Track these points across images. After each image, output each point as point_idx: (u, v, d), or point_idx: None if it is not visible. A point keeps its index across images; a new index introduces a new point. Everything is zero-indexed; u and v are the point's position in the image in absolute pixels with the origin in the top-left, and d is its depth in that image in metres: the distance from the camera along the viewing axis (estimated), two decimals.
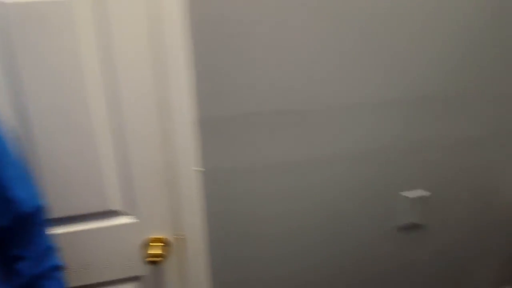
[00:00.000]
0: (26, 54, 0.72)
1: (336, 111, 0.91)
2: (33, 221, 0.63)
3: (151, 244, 0.90)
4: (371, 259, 1.09)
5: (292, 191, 0.95)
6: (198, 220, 0.91)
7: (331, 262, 1.06)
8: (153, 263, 0.89)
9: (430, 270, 1.16)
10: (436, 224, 1.09)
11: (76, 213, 0.85)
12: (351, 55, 0.87)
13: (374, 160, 0.98)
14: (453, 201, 1.07)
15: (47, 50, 0.73)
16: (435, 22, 0.90)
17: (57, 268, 0.67)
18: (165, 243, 0.91)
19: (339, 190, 0.99)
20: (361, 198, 1.01)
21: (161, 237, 0.91)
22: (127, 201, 0.87)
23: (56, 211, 0.79)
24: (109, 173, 0.84)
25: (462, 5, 0.90)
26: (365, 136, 0.95)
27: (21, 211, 0.60)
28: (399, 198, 1.02)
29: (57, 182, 0.81)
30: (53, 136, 0.79)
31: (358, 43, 0.87)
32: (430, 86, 0.94)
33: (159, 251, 0.89)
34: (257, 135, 0.89)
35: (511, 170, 1.08)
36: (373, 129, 0.95)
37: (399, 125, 0.96)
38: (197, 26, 0.78)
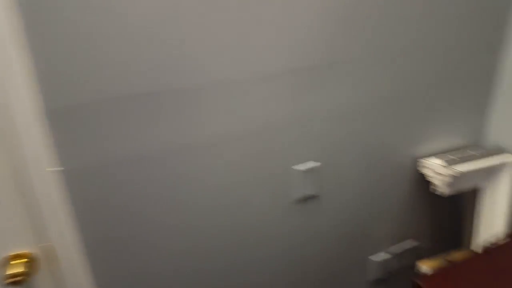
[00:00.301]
0: None
1: (216, 89, 0.84)
2: None
3: (11, 262, 0.77)
4: (274, 236, 1.07)
5: (177, 181, 0.87)
6: (66, 226, 0.79)
7: (233, 248, 1.02)
8: (15, 283, 0.76)
9: (332, 238, 1.18)
10: (331, 193, 1.09)
11: None
12: (227, 27, 0.79)
13: (263, 137, 0.93)
14: (344, 168, 1.08)
15: None
16: None
17: None
18: (29, 259, 0.79)
19: (230, 172, 0.93)
20: (255, 177, 0.96)
21: (22, 252, 0.78)
22: None
23: None
24: None
25: None
26: (250, 114, 0.89)
27: None
28: (292, 172, 1.00)
29: None
30: None
31: (235, 14, 0.79)
32: (312, 56, 0.90)
33: (21, 269, 0.77)
34: (125, 122, 0.78)
35: (398, 134, 1.11)
36: (257, 104, 0.89)
37: (284, 98, 0.91)
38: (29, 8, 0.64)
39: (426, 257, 1.37)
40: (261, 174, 0.97)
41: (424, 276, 0.87)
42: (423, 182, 1.24)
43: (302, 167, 0.99)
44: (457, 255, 1.32)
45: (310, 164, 1.00)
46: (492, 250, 0.95)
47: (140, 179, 0.83)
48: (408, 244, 1.34)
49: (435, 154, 1.20)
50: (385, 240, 1.30)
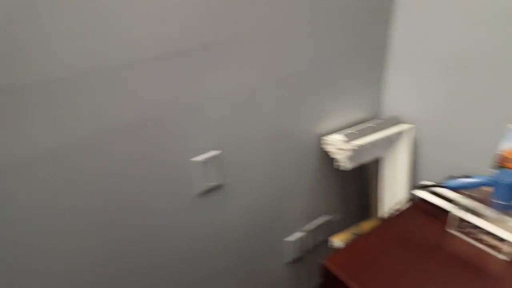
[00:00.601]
0: None
1: (83, 80, 0.71)
2: None
3: None
4: (180, 234, 0.99)
5: (52, 189, 0.74)
6: None
7: (136, 252, 0.92)
8: None
9: (244, 225, 1.14)
10: (236, 180, 1.04)
11: None
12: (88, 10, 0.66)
13: (151, 129, 0.83)
14: (247, 153, 1.03)
15: None
16: None
17: None
18: None
19: (118, 172, 0.82)
20: (148, 174, 0.86)
21: None
22: None
23: None
24: None
25: None
26: (130, 103, 0.78)
27: None
28: (191, 164, 0.92)
29: None
30: None
31: None
32: (196, 37, 0.81)
33: None
34: None
35: (298, 113, 1.09)
36: (137, 93, 0.78)
37: (170, 84, 0.82)
38: None
39: (338, 230, 1.40)
40: (155, 170, 0.87)
41: (330, 257, 0.87)
42: (328, 158, 1.25)
43: (201, 157, 0.92)
44: (365, 225, 1.38)
45: (210, 154, 0.93)
46: (395, 217, 0.99)
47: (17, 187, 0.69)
48: (321, 220, 1.36)
49: (337, 130, 1.21)
50: (298, 220, 1.30)
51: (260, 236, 1.21)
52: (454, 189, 0.89)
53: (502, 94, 0.98)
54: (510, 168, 1.00)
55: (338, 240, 1.31)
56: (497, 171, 0.83)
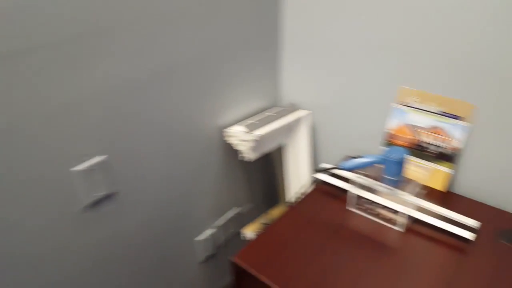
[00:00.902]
0: None
1: None
2: None
3: None
4: (71, 254, 0.86)
5: None
6: None
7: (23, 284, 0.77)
8: None
9: (149, 232, 1.05)
10: (132, 185, 0.94)
11: None
12: None
13: (19, 141, 0.69)
14: (142, 154, 0.93)
15: None
16: None
17: None
18: None
19: None
20: (23, 192, 0.72)
21: None
22: None
23: None
24: None
25: None
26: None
27: None
28: (73, 175, 0.79)
29: None
30: None
31: None
32: (73, 27, 0.69)
33: None
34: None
35: (195, 107, 1.02)
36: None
37: (39, 85, 0.68)
38: None
39: (249, 221, 1.39)
40: (26, 186, 0.73)
41: (238, 253, 0.83)
42: (232, 151, 1.21)
43: (83, 166, 0.80)
44: (274, 213, 1.38)
45: (94, 160, 0.82)
46: (300, 202, 0.99)
47: None
48: (231, 213, 1.33)
49: (238, 121, 1.18)
50: (208, 216, 1.25)
51: (168, 239, 1.13)
52: (350, 169, 0.91)
53: (387, 76, 1.04)
54: (397, 145, 1.07)
55: (250, 232, 1.30)
56: (386, 149, 0.87)
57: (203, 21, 0.95)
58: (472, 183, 1.00)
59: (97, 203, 0.87)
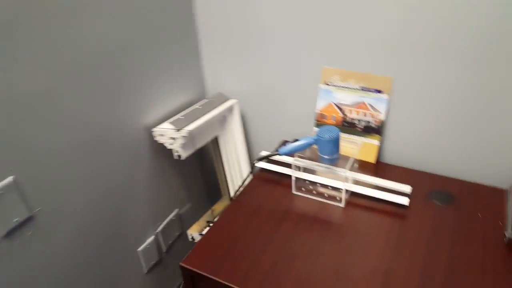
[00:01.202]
0: None
1: None
2: None
3: None
4: None
5: None
6: None
7: None
8: None
9: (84, 251, 0.95)
10: (54, 204, 0.84)
11: None
12: None
13: None
14: (60, 168, 0.83)
15: None
16: None
17: None
18: None
19: None
20: None
21: None
22: None
23: None
24: None
25: None
26: None
27: None
28: None
29: None
30: None
31: None
32: None
33: None
34: None
35: (119, 108, 0.94)
36: None
37: None
38: None
39: (193, 221, 1.34)
40: None
41: (187, 257, 0.79)
42: (165, 150, 1.15)
43: None
44: (218, 208, 1.35)
45: (6, 182, 0.71)
46: (243, 193, 0.97)
47: None
48: (172, 216, 1.27)
49: (167, 118, 1.12)
50: (147, 224, 1.17)
51: (108, 255, 1.04)
52: (288, 154, 0.91)
53: (310, 57, 1.05)
54: (327, 124, 1.10)
55: (194, 232, 1.25)
56: (318, 129, 0.88)
57: (112, 11, 0.87)
58: (399, 151, 1.07)
59: (14, 230, 0.75)
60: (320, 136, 0.86)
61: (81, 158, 0.88)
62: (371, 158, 1.07)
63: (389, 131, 1.05)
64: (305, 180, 0.95)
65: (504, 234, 0.79)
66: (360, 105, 1.04)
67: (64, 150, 0.83)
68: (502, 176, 0.95)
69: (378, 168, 1.05)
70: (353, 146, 0.98)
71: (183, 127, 1.03)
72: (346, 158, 0.91)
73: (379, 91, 1.01)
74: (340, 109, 1.07)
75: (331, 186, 0.93)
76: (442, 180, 0.98)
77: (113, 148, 0.96)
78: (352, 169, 0.90)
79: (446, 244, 0.78)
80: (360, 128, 1.07)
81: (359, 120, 1.06)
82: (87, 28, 0.81)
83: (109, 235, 1.03)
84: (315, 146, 0.89)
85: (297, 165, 0.93)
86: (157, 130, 1.05)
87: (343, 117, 1.08)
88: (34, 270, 0.82)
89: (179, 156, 1.06)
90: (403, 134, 1.03)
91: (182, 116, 1.08)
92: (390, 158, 1.09)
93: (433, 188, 0.95)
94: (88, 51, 0.83)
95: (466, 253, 0.76)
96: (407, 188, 0.91)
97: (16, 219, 0.75)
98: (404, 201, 0.88)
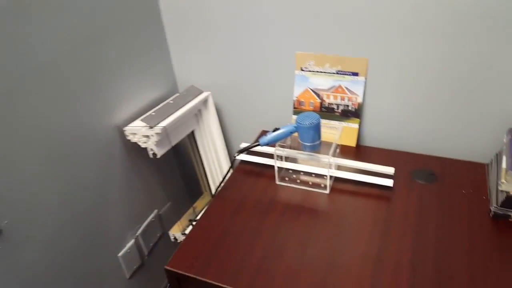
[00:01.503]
0: None
1: None
2: None
3: None
4: None
5: None
6: None
7: None
8: None
9: (62, 261, 0.89)
10: (24, 217, 0.78)
11: None
12: None
13: None
14: (27, 176, 0.77)
15: None
16: None
17: None
18: None
19: None
20: None
21: None
22: None
23: None
24: None
25: None
26: None
27: None
28: None
29: None
30: None
31: None
32: None
33: None
34: None
35: (86, 109, 0.88)
36: None
37: None
38: None
39: (175, 220, 1.29)
40: None
41: (171, 259, 0.75)
42: (139, 150, 1.09)
43: None
44: (200, 205, 1.31)
45: None
46: (225, 188, 0.93)
47: None
48: (152, 218, 1.22)
49: (139, 116, 1.06)
50: (128, 227, 1.12)
51: (87, 263, 0.98)
52: (268, 144, 0.88)
53: (282, 44, 1.02)
54: (305, 111, 1.08)
55: (177, 232, 1.21)
56: (297, 117, 0.86)
57: (71, 2, 0.80)
58: (379, 133, 1.06)
59: None
60: (300, 123, 0.84)
61: (49, 165, 0.82)
62: (351, 142, 1.06)
63: (367, 113, 1.04)
64: (288, 169, 0.93)
65: (490, 209, 0.80)
66: (337, 89, 1.03)
67: (28, 159, 0.77)
68: (482, 151, 0.96)
69: (359, 151, 1.04)
70: (333, 131, 0.96)
71: (156, 124, 0.98)
72: (328, 144, 0.89)
73: (355, 74, 0.99)
74: (318, 94, 1.05)
75: (314, 174, 0.91)
76: (423, 159, 0.98)
77: (82, 152, 0.90)
78: (333, 154, 0.88)
79: (433, 222, 0.78)
80: (339, 113, 1.05)
81: (337, 105, 1.04)
82: (44, 22, 0.75)
83: (86, 243, 0.97)
84: (295, 134, 0.87)
85: (279, 154, 0.90)
86: (128, 129, 1.00)
87: (320, 102, 1.06)
88: (6, 284, 0.76)
89: (155, 154, 1.01)
90: (381, 115, 1.03)
91: (154, 112, 1.03)
92: (370, 140, 1.08)
93: (415, 168, 0.94)
94: (45, 47, 0.76)
95: (453, 230, 0.76)
96: (390, 170, 0.90)
97: None
98: (389, 182, 0.88)
